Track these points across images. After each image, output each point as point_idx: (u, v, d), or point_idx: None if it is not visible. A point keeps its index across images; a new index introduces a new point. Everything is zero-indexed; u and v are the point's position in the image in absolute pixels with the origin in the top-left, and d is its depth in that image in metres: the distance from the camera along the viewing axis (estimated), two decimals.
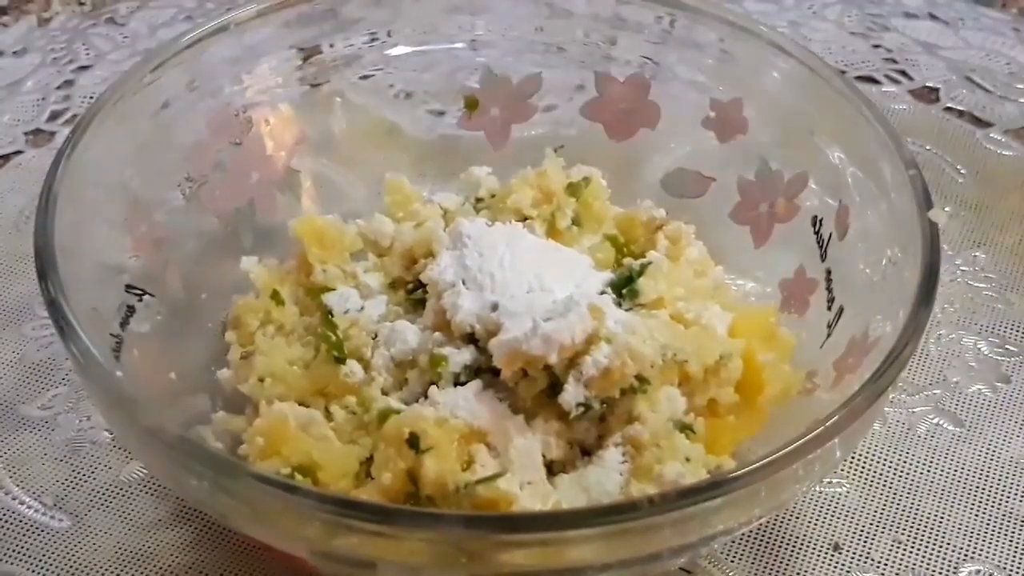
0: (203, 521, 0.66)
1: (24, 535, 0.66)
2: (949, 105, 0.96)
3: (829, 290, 0.68)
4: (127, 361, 0.61)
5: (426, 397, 0.62)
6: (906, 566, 0.66)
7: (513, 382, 0.62)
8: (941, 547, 0.66)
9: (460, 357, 0.63)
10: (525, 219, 0.72)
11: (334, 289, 0.69)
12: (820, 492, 0.68)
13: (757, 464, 0.51)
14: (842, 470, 0.69)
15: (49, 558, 0.64)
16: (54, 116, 0.93)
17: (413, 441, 0.58)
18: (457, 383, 0.62)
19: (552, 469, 0.61)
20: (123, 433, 0.58)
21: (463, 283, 0.65)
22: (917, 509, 0.68)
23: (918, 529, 0.67)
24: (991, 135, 0.93)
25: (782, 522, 0.67)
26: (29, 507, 0.67)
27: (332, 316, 0.67)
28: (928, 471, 0.70)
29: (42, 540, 0.65)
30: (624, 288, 0.66)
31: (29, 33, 1.02)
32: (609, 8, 0.78)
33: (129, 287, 0.65)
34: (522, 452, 0.60)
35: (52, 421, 0.71)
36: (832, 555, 0.66)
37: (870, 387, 0.54)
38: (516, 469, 0.59)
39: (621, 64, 0.78)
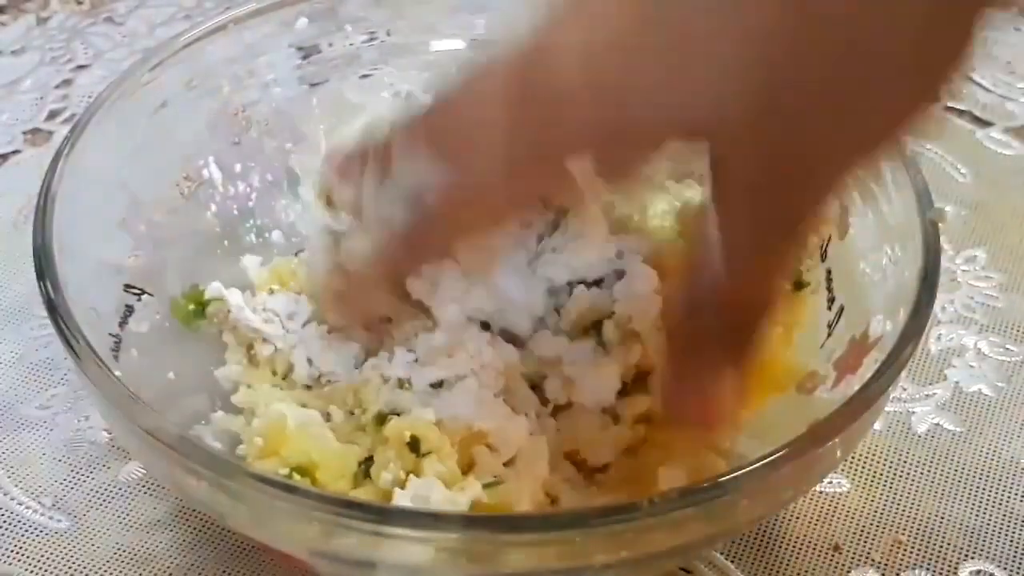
0: (203, 521, 0.65)
1: (22, 535, 0.65)
2: (949, 104, 0.96)
3: (829, 289, 0.68)
4: (126, 361, 0.61)
5: None
6: (906, 566, 0.65)
7: None
8: (941, 547, 0.66)
9: None
10: None
11: None
12: (820, 492, 0.68)
13: (756, 464, 0.50)
14: (842, 470, 0.69)
15: (47, 559, 0.64)
16: (52, 115, 0.93)
17: (414, 444, 0.58)
18: None
19: None
20: (122, 433, 0.58)
21: None
22: (917, 509, 0.68)
23: (918, 529, 0.67)
24: (992, 134, 0.93)
25: (782, 522, 0.67)
26: (27, 507, 0.67)
27: None
28: (928, 471, 0.70)
29: (40, 541, 0.65)
30: None
31: (27, 32, 1.02)
32: None
33: (128, 286, 0.65)
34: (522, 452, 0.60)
35: (51, 421, 0.71)
36: (832, 555, 0.66)
37: (870, 387, 0.54)
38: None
39: None
